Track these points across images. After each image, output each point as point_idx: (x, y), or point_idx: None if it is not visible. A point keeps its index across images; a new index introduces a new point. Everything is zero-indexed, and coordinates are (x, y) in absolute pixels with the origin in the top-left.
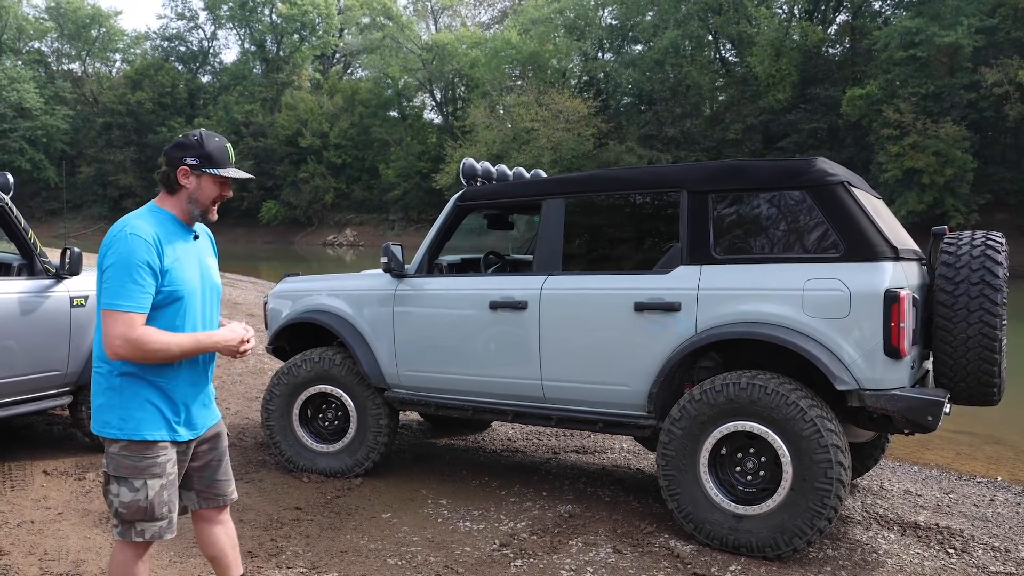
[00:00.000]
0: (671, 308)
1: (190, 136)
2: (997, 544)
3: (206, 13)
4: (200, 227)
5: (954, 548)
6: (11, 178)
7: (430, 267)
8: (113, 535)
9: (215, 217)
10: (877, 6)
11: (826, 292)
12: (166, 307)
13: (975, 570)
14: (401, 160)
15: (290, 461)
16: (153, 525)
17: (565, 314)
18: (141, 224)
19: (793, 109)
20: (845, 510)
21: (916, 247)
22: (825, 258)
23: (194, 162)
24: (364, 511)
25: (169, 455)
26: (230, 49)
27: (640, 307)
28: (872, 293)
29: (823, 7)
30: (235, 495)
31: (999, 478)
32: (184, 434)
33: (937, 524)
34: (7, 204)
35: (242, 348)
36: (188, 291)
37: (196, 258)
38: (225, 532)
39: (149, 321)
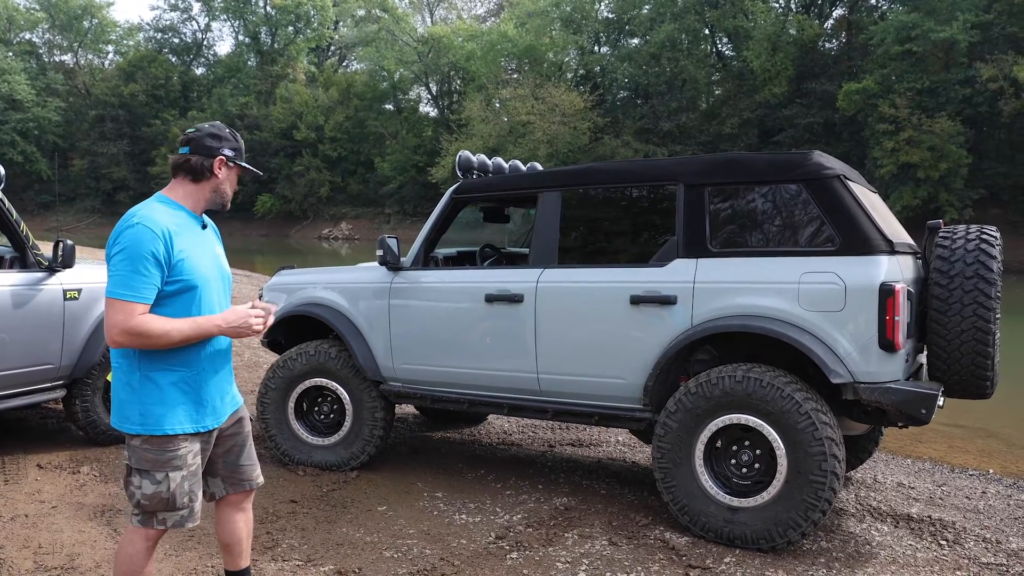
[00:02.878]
0: (667, 301)
1: (220, 128)
2: (988, 536)
3: (200, 4)
4: (204, 217)
5: (946, 540)
6: (2, 170)
7: (426, 260)
8: (131, 523)
9: (229, 205)
10: (873, 1)
11: (821, 285)
12: (180, 296)
13: (967, 561)
14: (397, 153)
15: (286, 454)
16: (175, 514)
17: (561, 307)
18: (151, 215)
19: (789, 103)
20: (839, 502)
21: (911, 241)
22: (821, 251)
23: (231, 154)
24: (360, 504)
25: (191, 447)
26: (224, 41)
27: (636, 300)
28: (867, 286)
29: (819, 1)
30: (261, 480)
31: (991, 471)
32: (209, 423)
33: (930, 516)
34: None
35: (255, 324)
36: (202, 281)
37: (208, 248)
38: (245, 520)
39: (163, 310)
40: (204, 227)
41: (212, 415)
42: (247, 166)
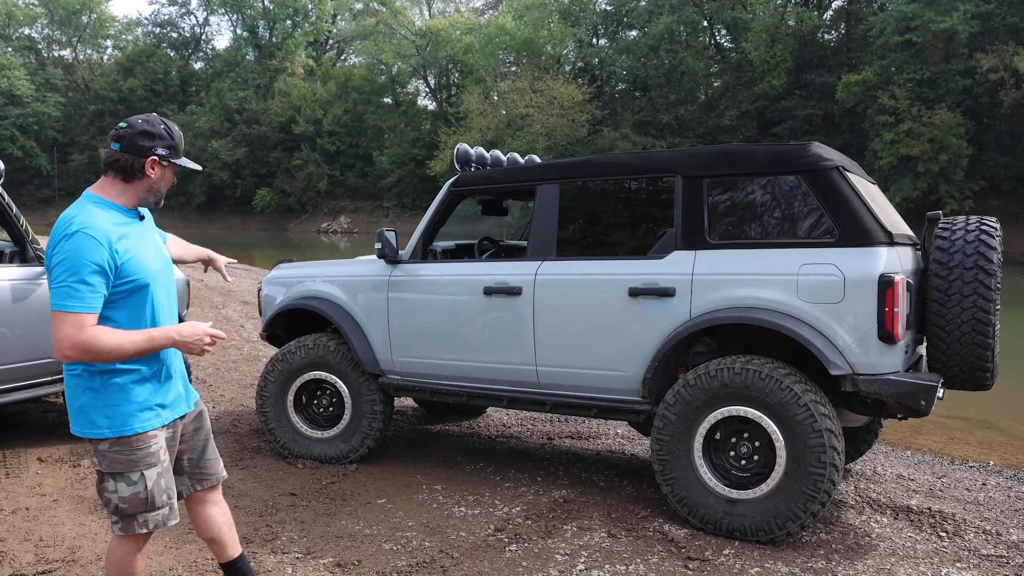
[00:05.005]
0: (665, 293)
1: (154, 124)
2: (989, 527)
3: None
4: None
5: (946, 532)
6: (2, 165)
7: (424, 253)
8: (114, 531)
9: (162, 203)
10: None
11: (820, 277)
12: (133, 295)
13: (967, 553)
14: (395, 147)
15: (285, 448)
16: (156, 514)
17: (559, 300)
18: (90, 220)
19: (788, 95)
20: (838, 494)
21: (911, 232)
22: (820, 243)
23: (164, 152)
24: (359, 497)
25: (160, 442)
26: (222, 35)
27: (634, 292)
28: (866, 278)
29: None
30: (225, 473)
31: (991, 462)
32: (170, 415)
33: (929, 508)
34: None
35: (206, 347)
36: (151, 277)
37: (149, 240)
38: (221, 512)
39: (117, 311)
40: (141, 218)
41: (173, 406)
42: (184, 164)
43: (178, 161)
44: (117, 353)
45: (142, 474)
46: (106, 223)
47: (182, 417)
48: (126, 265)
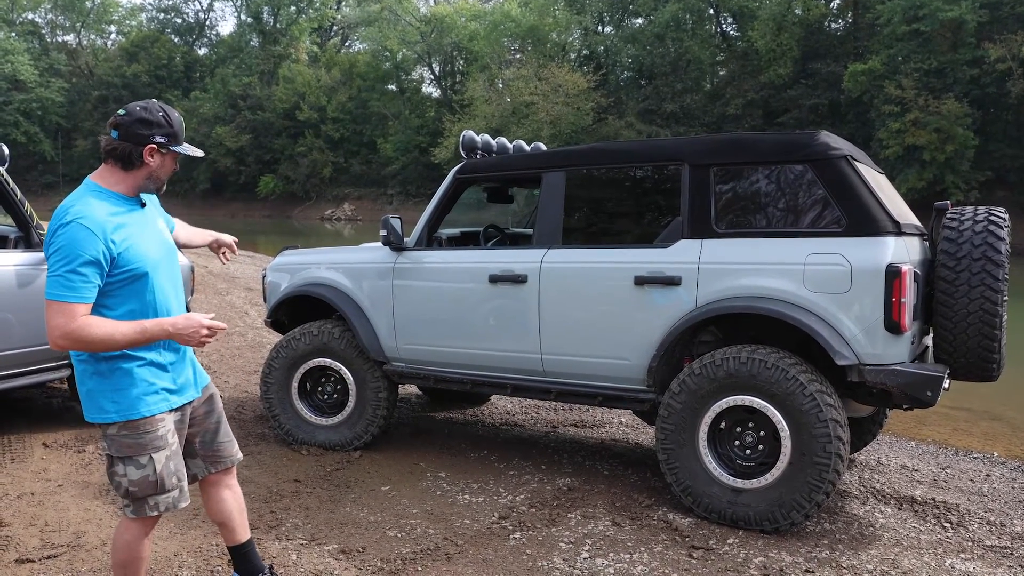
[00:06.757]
0: (672, 282)
1: (152, 111)
2: (992, 518)
3: None
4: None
5: (950, 522)
6: (6, 150)
7: (429, 240)
8: (124, 514)
9: (164, 189)
10: None
11: (827, 267)
12: (131, 284)
13: (971, 544)
14: (399, 134)
15: (289, 434)
16: (166, 497)
17: (565, 288)
18: (86, 210)
19: (794, 84)
20: (843, 485)
21: (918, 222)
22: (827, 232)
23: (163, 140)
24: (363, 484)
25: (168, 425)
26: (226, 21)
27: (640, 281)
28: (874, 268)
29: None
30: (240, 455)
31: (995, 453)
32: (178, 400)
33: (934, 499)
34: (2, 176)
35: (204, 338)
36: (151, 265)
37: (150, 227)
38: (233, 496)
39: (116, 299)
40: (143, 205)
41: (181, 391)
42: (184, 151)
43: (178, 148)
44: (107, 343)
45: (151, 457)
46: (103, 213)
47: (191, 402)
48: (123, 255)
